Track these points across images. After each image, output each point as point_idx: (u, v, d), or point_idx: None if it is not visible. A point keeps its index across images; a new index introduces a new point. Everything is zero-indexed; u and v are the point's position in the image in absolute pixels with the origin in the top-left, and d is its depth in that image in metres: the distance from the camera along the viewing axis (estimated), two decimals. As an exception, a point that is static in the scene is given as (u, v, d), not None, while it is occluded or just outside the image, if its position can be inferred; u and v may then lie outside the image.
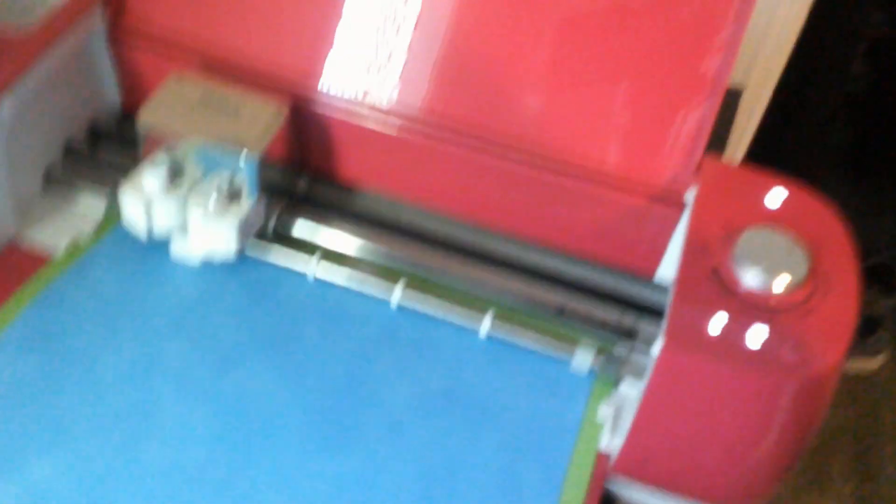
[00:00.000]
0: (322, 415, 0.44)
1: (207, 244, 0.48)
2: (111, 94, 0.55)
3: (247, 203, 0.48)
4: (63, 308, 0.47)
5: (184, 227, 0.48)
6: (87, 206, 0.53)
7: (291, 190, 0.52)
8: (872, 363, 1.32)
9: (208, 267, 0.50)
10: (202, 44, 0.52)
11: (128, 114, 0.56)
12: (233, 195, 0.48)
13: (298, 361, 0.46)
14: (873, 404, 1.30)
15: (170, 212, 0.48)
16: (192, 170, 0.48)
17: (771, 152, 0.69)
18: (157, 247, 0.50)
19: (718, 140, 0.59)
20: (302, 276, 0.50)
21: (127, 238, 0.50)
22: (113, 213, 0.52)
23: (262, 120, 0.48)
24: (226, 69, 0.51)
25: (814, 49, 0.84)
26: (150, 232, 0.49)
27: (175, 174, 0.48)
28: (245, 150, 0.46)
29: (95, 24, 0.51)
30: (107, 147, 0.54)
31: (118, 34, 0.52)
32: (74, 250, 0.50)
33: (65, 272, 0.49)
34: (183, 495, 0.39)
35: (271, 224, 0.50)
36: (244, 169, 0.47)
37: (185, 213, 0.48)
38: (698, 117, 0.45)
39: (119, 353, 0.45)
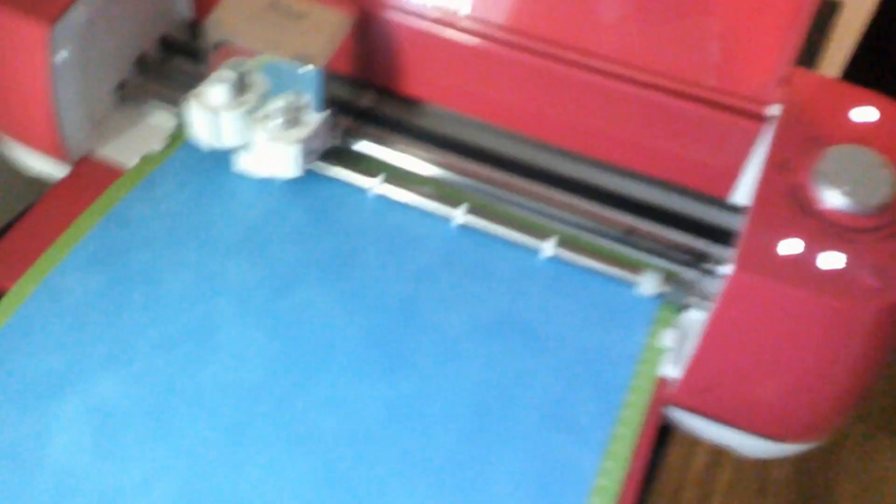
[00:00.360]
0: (377, 338, 0.43)
1: (270, 165, 0.48)
2: (182, 4, 0.55)
3: (311, 122, 0.47)
4: (131, 225, 0.48)
5: (248, 144, 0.49)
6: (160, 122, 0.53)
7: (357, 106, 0.52)
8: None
9: (272, 184, 0.50)
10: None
11: (200, 26, 0.56)
12: (298, 113, 0.47)
13: (356, 283, 0.46)
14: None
15: (235, 127, 0.48)
16: (259, 83, 0.48)
17: (871, 73, 0.64)
18: (223, 163, 0.50)
19: (812, 56, 0.55)
20: (363, 194, 0.49)
21: (195, 154, 0.51)
22: (183, 129, 0.52)
23: (327, 30, 0.47)
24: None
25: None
26: (215, 146, 0.49)
27: (242, 88, 0.47)
28: (308, 65, 0.46)
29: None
30: (179, 61, 0.55)
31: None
32: (144, 166, 0.51)
33: (134, 188, 0.50)
34: (241, 412, 0.40)
35: (336, 143, 0.50)
36: (307, 84, 0.46)
37: (250, 130, 0.48)
38: (787, 21, 0.42)
39: (182, 272, 0.46)
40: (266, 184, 0.50)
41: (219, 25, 0.47)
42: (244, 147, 0.49)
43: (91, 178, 0.50)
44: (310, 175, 0.50)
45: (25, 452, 0.38)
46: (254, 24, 0.47)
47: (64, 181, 0.50)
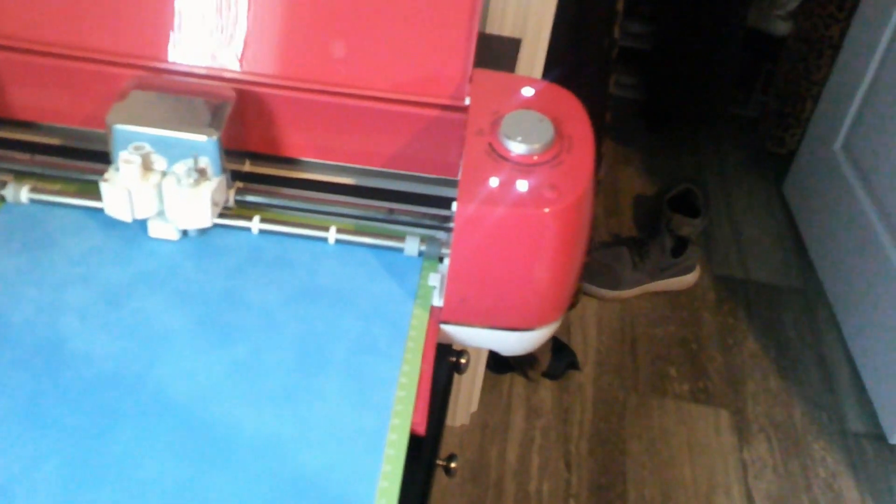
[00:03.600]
0: (207, 320, 0.54)
1: (186, 220, 0.56)
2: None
3: (215, 180, 0.56)
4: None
5: (160, 213, 0.56)
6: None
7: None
8: (689, 279, 1.53)
9: (86, 226, 0.59)
10: (51, 42, 0.60)
11: (-6, 117, 0.64)
12: (203, 174, 0.56)
13: (180, 286, 0.56)
14: (695, 314, 1.51)
15: (148, 199, 0.55)
16: (158, 161, 0.56)
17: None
18: (40, 220, 0.59)
19: (511, 69, 0.74)
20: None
21: (11, 215, 0.58)
22: (-6, 201, 0.60)
23: (215, 106, 0.57)
24: (75, 60, 0.60)
25: (582, 4, 1.02)
26: (131, 219, 0.56)
27: (146, 166, 0.55)
28: (208, 135, 0.55)
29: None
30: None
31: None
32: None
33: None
34: (102, 397, 0.48)
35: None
36: (207, 151, 0.55)
37: (160, 199, 0.56)
38: (465, 40, 0.59)
39: (21, 307, 0.53)
40: (81, 228, 0.59)
41: (119, 114, 0.55)
42: (157, 216, 0.57)
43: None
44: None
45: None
46: (151, 110, 0.56)
47: None
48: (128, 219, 0.56)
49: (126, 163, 0.54)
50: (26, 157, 0.62)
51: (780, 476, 1.25)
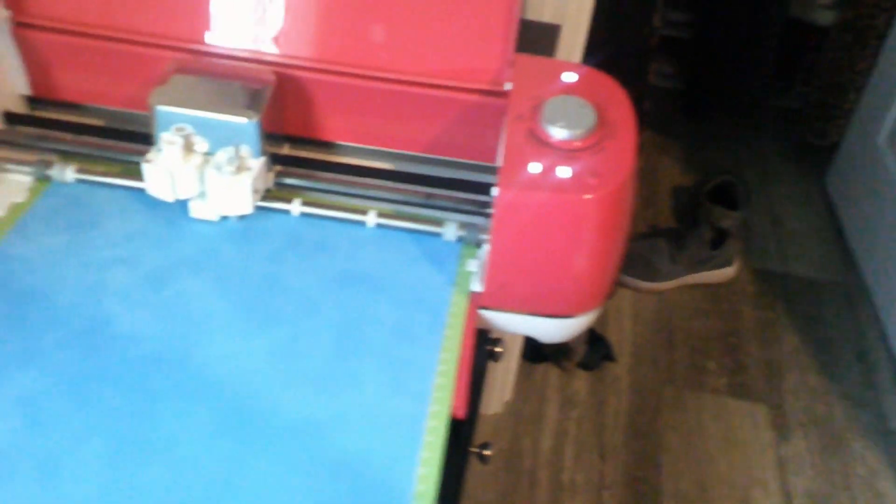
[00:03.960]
0: (248, 305, 0.54)
1: (226, 206, 0.57)
2: (20, 79, 0.64)
3: (255, 167, 0.56)
4: (13, 260, 0.55)
5: (202, 193, 0.57)
6: (17, 180, 0.61)
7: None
8: (728, 272, 1.51)
9: (128, 208, 0.59)
10: (96, 24, 0.61)
11: (36, 96, 0.65)
12: (242, 160, 0.56)
13: (221, 271, 0.56)
14: (733, 308, 1.49)
15: (190, 181, 0.56)
16: (199, 143, 0.56)
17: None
18: (85, 202, 0.59)
19: (550, 54, 0.73)
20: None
21: (55, 199, 0.59)
22: (40, 182, 0.60)
23: (256, 90, 0.57)
24: (119, 42, 0.61)
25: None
26: (173, 199, 0.57)
27: (188, 148, 0.56)
28: (248, 118, 0.55)
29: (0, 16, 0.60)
30: (23, 129, 0.63)
31: (21, 23, 0.61)
32: (13, 213, 0.59)
33: (8, 232, 0.57)
34: (146, 377, 0.49)
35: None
36: (246, 135, 0.55)
37: (202, 181, 0.56)
38: (506, 25, 0.58)
39: (67, 287, 0.54)
40: (124, 209, 0.59)
41: (162, 96, 0.56)
42: (198, 196, 0.57)
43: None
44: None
45: (-40, 443, 0.45)
46: (192, 92, 0.56)
47: (-60, 236, 0.57)
48: (169, 199, 0.56)
49: (168, 144, 0.55)
50: (71, 137, 0.63)
51: (818, 473, 1.23)
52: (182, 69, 0.58)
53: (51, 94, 0.65)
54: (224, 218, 0.59)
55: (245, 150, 0.56)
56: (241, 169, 0.56)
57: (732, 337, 1.42)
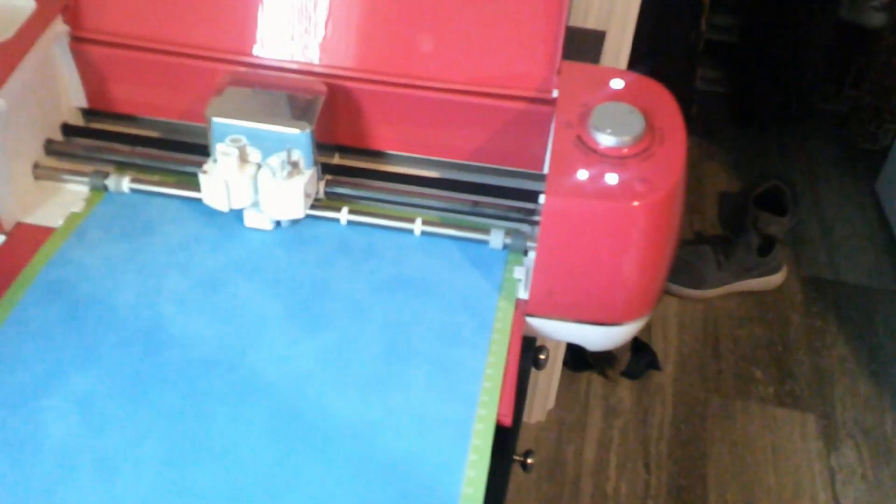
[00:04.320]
0: (299, 309, 0.55)
1: (279, 211, 0.58)
2: (77, 92, 0.66)
3: (307, 173, 0.57)
4: (72, 265, 0.57)
5: (255, 203, 0.58)
6: (74, 189, 0.63)
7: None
8: (776, 279, 1.48)
9: (179, 216, 0.61)
10: (150, 38, 0.63)
11: (92, 109, 0.67)
12: (295, 166, 0.57)
13: (272, 275, 0.57)
14: (781, 315, 1.46)
15: (245, 190, 0.57)
16: (253, 153, 0.57)
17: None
18: (138, 208, 0.61)
19: (595, 61, 0.73)
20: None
21: (110, 206, 0.61)
22: (96, 192, 0.62)
23: (308, 100, 0.58)
24: (174, 56, 0.62)
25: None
26: (228, 209, 0.58)
27: (242, 158, 0.57)
28: (301, 128, 0.56)
29: (58, 31, 0.62)
30: (80, 141, 0.65)
31: (78, 38, 0.63)
32: (72, 222, 0.60)
33: (68, 239, 0.59)
34: (200, 379, 0.50)
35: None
36: (300, 144, 0.56)
37: (256, 190, 0.57)
38: (552, 32, 0.58)
39: (124, 291, 0.55)
40: (178, 217, 0.61)
41: (217, 108, 0.57)
42: (252, 206, 0.58)
43: (28, 238, 0.59)
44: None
45: (23, 443, 0.47)
46: (247, 104, 0.58)
47: (4, 245, 0.59)
48: (225, 209, 0.58)
49: (224, 155, 0.56)
50: (127, 148, 0.64)
51: (869, 485, 1.20)
52: (236, 81, 0.60)
53: (106, 106, 0.66)
54: (277, 225, 0.60)
55: (297, 153, 0.57)
56: (293, 174, 0.57)
57: (780, 345, 1.40)
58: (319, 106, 0.58)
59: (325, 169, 0.62)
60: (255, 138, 0.57)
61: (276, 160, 0.56)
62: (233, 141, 0.56)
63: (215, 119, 0.56)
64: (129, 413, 0.48)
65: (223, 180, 0.56)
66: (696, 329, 1.41)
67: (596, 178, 0.51)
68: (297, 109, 0.58)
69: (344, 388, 0.50)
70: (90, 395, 0.49)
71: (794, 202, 1.50)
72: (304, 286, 0.56)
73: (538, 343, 0.61)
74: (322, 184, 0.60)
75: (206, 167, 0.57)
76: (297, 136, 0.56)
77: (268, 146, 0.57)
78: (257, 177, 0.57)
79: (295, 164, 0.57)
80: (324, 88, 0.60)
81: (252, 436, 0.47)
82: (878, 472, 1.21)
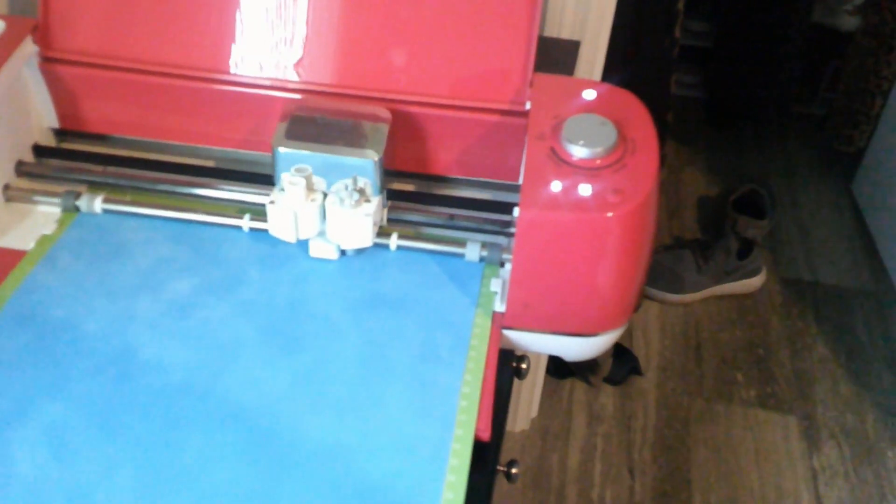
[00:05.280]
0: (272, 330, 0.54)
1: (348, 239, 0.57)
2: (48, 112, 0.65)
3: (374, 200, 0.57)
4: (43, 290, 0.56)
5: (321, 232, 0.58)
6: (45, 211, 0.62)
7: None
8: (755, 282, 1.49)
9: (146, 240, 0.60)
10: (121, 57, 0.62)
11: (64, 129, 0.66)
12: (363, 194, 0.57)
13: (245, 296, 0.57)
14: (762, 318, 1.47)
15: (313, 219, 0.57)
16: (318, 182, 0.57)
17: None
18: (110, 231, 0.60)
19: (570, 72, 0.73)
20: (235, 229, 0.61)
21: (82, 230, 0.60)
22: (68, 213, 0.62)
23: (373, 127, 0.58)
24: (145, 74, 0.62)
25: (642, 3, 1.00)
26: (294, 239, 0.58)
27: (309, 187, 0.57)
28: (369, 157, 0.56)
29: (28, 51, 0.62)
30: (51, 162, 0.64)
31: (48, 58, 0.63)
32: (43, 245, 0.60)
33: (38, 263, 0.58)
34: (173, 405, 0.50)
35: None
36: (367, 171, 0.56)
37: (323, 219, 0.57)
38: (524, 44, 0.59)
39: (95, 316, 0.55)
40: (151, 239, 0.60)
41: (283, 138, 0.57)
42: (318, 235, 0.58)
43: (-2, 261, 0.58)
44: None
45: (-7, 474, 0.46)
46: (311, 136, 0.57)
47: (-27, 268, 0.58)
48: (292, 239, 0.57)
49: (291, 185, 0.55)
50: (99, 168, 0.64)
51: (851, 484, 1.21)
52: (299, 109, 0.59)
53: (78, 126, 0.66)
54: (342, 254, 0.59)
55: (363, 181, 0.57)
56: (360, 202, 0.56)
57: (761, 348, 1.40)
58: (386, 133, 0.58)
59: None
60: (322, 167, 0.56)
61: (343, 188, 0.56)
62: (298, 171, 0.56)
63: (280, 148, 0.56)
64: (100, 443, 0.47)
65: (291, 210, 0.56)
66: (677, 334, 1.42)
67: (569, 189, 0.51)
68: (363, 137, 0.57)
69: (319, 411, 0.50)
70: (60, 424, 0.48)
71: (771, 205, 1.51)
72: (276, 306, 0.56)
73: (519, 352, 0.61)
74: (386, 212, 0.60)
75: (272, 197, 0.57)
76: (365, 164, 0.56)
77: (334, 175, 0.57)
78: (324, 205, 0.56)
79: (362, 192, 0.57)
80: (388, 115, 0.59)
81: (226, 463, 0.47)
82: (861, 471, 1.22)
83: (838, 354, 1.40)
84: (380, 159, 0.56)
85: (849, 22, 1.78)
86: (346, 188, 0.56)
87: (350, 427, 0.49)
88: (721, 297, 1.48)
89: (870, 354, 1.40)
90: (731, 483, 1.20)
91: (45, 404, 0.49)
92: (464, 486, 0.46)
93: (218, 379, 0.51)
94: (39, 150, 0.65)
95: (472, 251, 0.59)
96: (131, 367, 0.51)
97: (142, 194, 0.63)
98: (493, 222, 0.60)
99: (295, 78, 0.62)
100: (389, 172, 0.65)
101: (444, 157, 0.63)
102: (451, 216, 0.60)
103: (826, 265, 1.57)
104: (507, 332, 0.56)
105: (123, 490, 0.45)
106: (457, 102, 0.60)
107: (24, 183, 0.63)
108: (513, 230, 0.58)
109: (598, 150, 0.52)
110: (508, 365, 0.58)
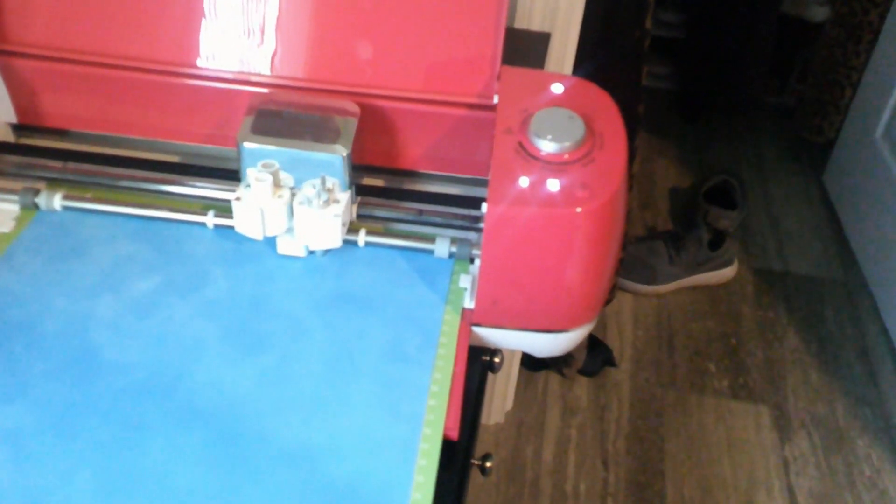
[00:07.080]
0: (236, 329, 0.53)
1: (316, 240, 0.56)
2: (6, 107, 0.63)
3: (343, 199, 0.56)
4: (0, 289, 0.55)
5: (290, 229, 0.56)
6: (3, 209, 0.61)
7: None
8: (727, 273, 1.50)
9: (111, 236, 0.59)
10: (80, 50, 0.61)
11: (23, 124, 0.64)
12: (331, 193, 0.55)
13: (208, 295, 0.55)
14: (733, 308, 1.48)
15: (280, 217, 0.55)
16: (286, 178, 0.56)
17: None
18: (71, 229, 0.59)
19: (540, 65, 0.73)
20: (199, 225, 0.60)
21: (42, 227, 0.59)
22: (27, 211, 0.60)
23: (341, 122, 0.56)
24: (105, 67, 0.60)
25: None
26: (261, 237, 0.56)
27: (276, 184, 0.55)
28: (337, 153, 0.54)
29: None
30: (9, 156, 0.63)
31: (5, 52, 0.61)
32: (1, 242, 0.58)
33: (-4, 260, 0.57)
34: (134, 407, 0.48)
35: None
36: (334, 168, 0.55)
37: (290, 217, 0.55)
38: (491, 37, 0.58)
39: (54, 317, 0.53)
40: (113, 236, 0.59)
41: (248, 132, 0.55)
42: (286, 232, 0.56)
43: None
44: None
45: (-52, 482, 0.44)
46: (278, 132, 0.55)
47: (-73, 269, 0.56)
48: (259, 237, 0.56)
49: (258, 181, 0.54)
50: (59, 164, 0.62)
51: (822, 473, 1.22)
52: (265, 103, 0.58)
53: (37, 121, 0.64)
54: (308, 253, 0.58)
55: (331, 180, 0.55)
56: (329, 201, 0.55)
57: (733, 338, 1.41)
58: (354, 128, 0.56)
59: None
60: (289, 162, 0.55)
61: (310, 189, 0.54)
62: (265, 166, 0.55)
63: (246, 144, 0.54)
64: (59, 446, 0.46)
65: (258, 208, 0.54)
66: (650, 325, 1.42)
67: (537, 184, 0.50)
68: (331, 132, 0.56)
69: (285, 411, 0.49)
70: (17, 429, 0.47)
71: (742, 196, 1.52)
72: (240, 304, 0.55)
73: (494, 347, 0.61)
74: (356, 207, 0.58)
75: (238, 194, 0.55)
76: (333, 160, 0.55)
77: (302, 171, 0.55)
78: (292, 203, 0.55)
79: (330, 191, 0.55)
80: (357, 109, 0.58)
81: (188, 464, 0.46)
82: (831, 460, 1.24)
83: (809, 344, 1.41)
84: (348, 154, 0.55)
85: (818, 13, 1.79)
86: (314, 188, 0.55)
87: (316, 427, 0.48)
88: (693, 288, 1.49)
89: (840, 344, 1.42)
90: (703, 474, 1.21)
91: (2, 407, 0.48)
92: (432, 487, 0.45)
93: (181, 379, 0.50)
94: (-3, 146, 0.63)
95: (442, 247, 0.58)
96: (91, 369, 0.50)
97: (103, 191, 0.61)
98: (463, 217, 0.59)
99: (261, 71, 0.60)
100: (358, 167, 0.64)
101: (413, 152, 0.63)
102: (421, 212, 0.59)
103: (797, 255, 1.59)
104: (476, 329, 0.55)
105: (83, 494, 0.44)
106: (425, 96, 0.59)
107: (-19, 179, 0.61)
108: (482, 225, 0.58)
109: (567, 144, 0.52)
110: (481, 359, 0.57)
